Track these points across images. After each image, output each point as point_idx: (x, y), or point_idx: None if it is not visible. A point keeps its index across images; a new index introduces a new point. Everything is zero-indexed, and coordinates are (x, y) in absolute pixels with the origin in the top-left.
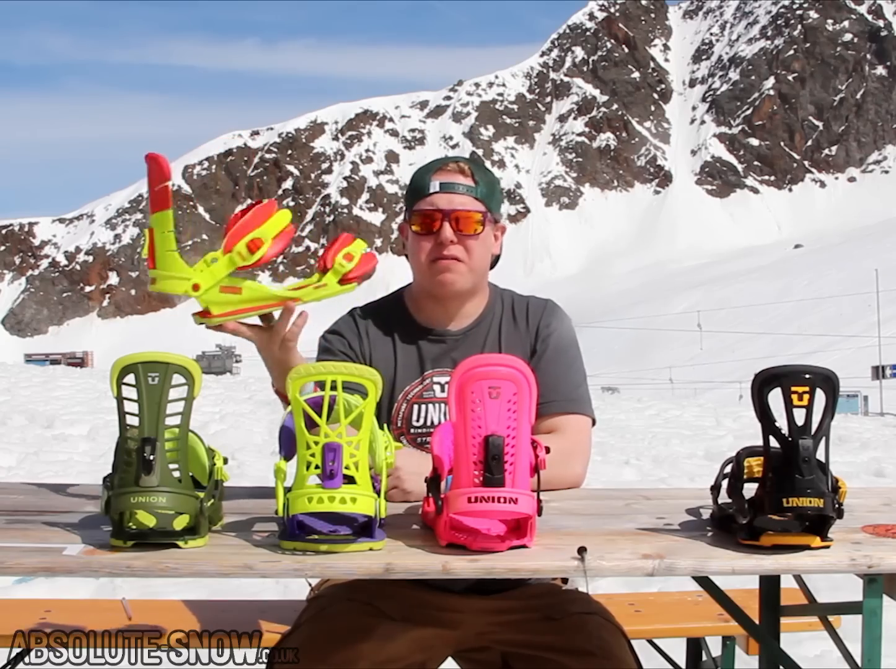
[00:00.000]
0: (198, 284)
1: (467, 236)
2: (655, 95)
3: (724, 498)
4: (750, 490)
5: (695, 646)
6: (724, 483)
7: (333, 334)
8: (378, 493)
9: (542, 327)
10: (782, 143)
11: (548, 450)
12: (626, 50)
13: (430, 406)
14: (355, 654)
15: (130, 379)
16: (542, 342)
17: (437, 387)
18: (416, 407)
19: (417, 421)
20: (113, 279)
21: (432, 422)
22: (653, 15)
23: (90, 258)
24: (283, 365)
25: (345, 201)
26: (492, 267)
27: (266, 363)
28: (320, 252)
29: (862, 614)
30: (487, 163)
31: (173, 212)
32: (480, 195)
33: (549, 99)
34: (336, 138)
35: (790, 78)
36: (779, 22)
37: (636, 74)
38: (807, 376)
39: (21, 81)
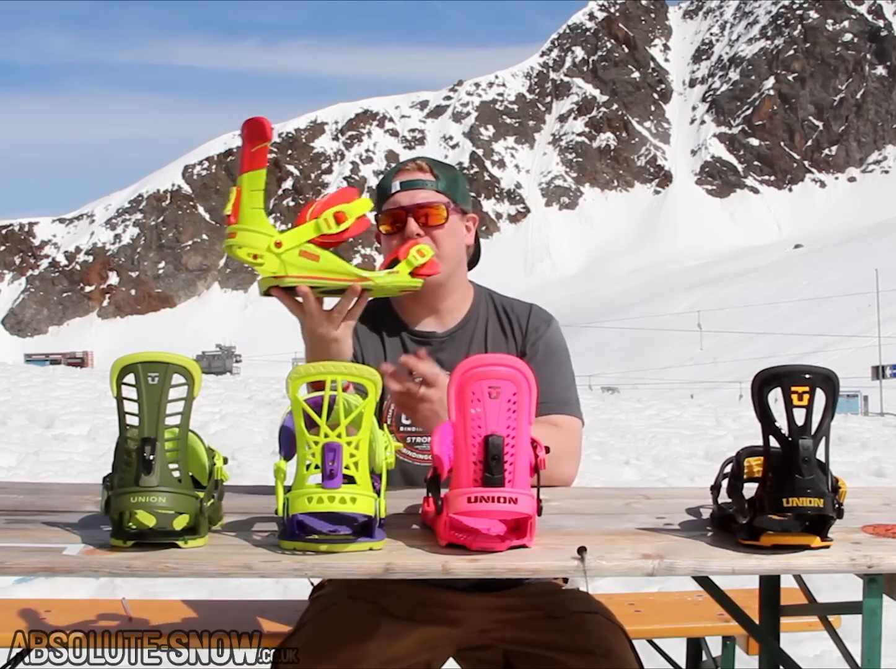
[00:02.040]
0: (280, 242)
1: (432, 228)
2: (655, 95)
3: (724, 497)
4: (750, 490)
5: (695, 646)
6: (724, 482)
7: None
8: (378, 493)
9: (531, 330)
10: (782, 143)
11: (548, 450)
12: (626, 50)
13: None
14: (360, 653)
15: (130, 379)
16: (531, 345)
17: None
18: None
19: (407, 419)
20: (113, 279)
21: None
22: (653, 15)
23: (90, 258)
24: (338, 346)
25: None
26: (474, 262)
27: (311, 344)
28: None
29: (862, 614)
30: (487, 163)
31: (266, 173)
32: (441, 188)
33: (549, 99)
34: (336, 138)
35: (790, 78)
36: (779, 22)
37: (636, 74)
38: (807, 376)
39: (22, 81)
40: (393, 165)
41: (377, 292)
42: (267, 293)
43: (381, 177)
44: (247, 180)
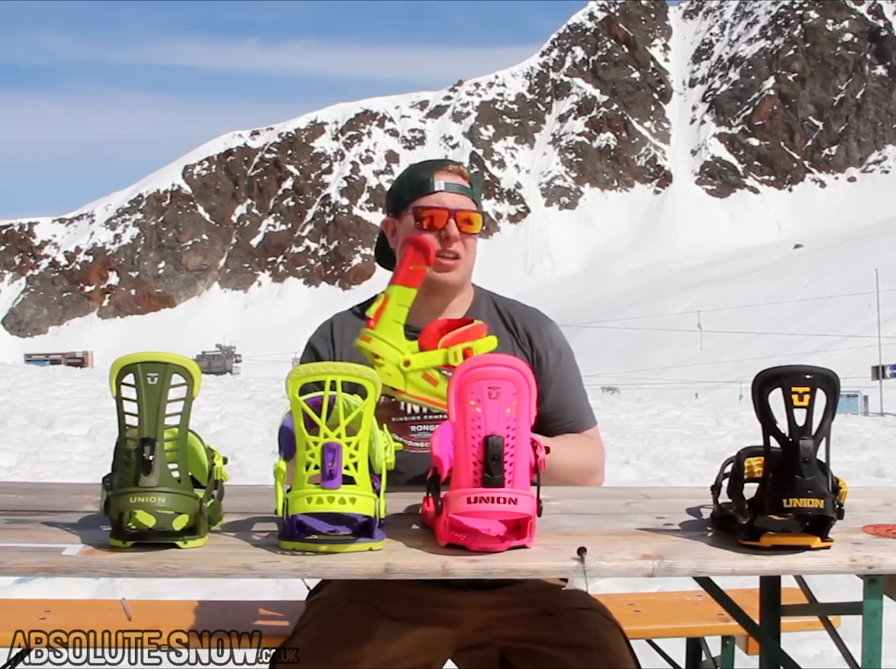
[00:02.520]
0: (409, 361)
1: (469, 235)
2: (655, 95)
3: (724, 497)
4: (750, 490)
5: (695, 646)
6: (725, 483)
7: (307, 347)
8: (378, 493)
9: (546, 339)
10: (782, 143)
11: (548, 450)
12: (626, 50)
13: None
14: (358, 655)
15: (130, 379)
16: (547, 354)
17: None
18: None
19: (403, 407)
20: (113, 279)
21: (413, 410)
22: (653, 15)
23: (90, 258)
24: None
25: (345, 201)
26: None
27: None
28: (320, 252)
29: (862, 614)
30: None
31: (416, 292)
32: (475, 197)
33: (549, 99)
34: (336, 138)
35: (790, 78)
36: (779, 22)
37: (636, 74)
38: (807, 376)
39: (22, 81)
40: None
41: None
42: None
43: (412, 167)
44: (397, 293)
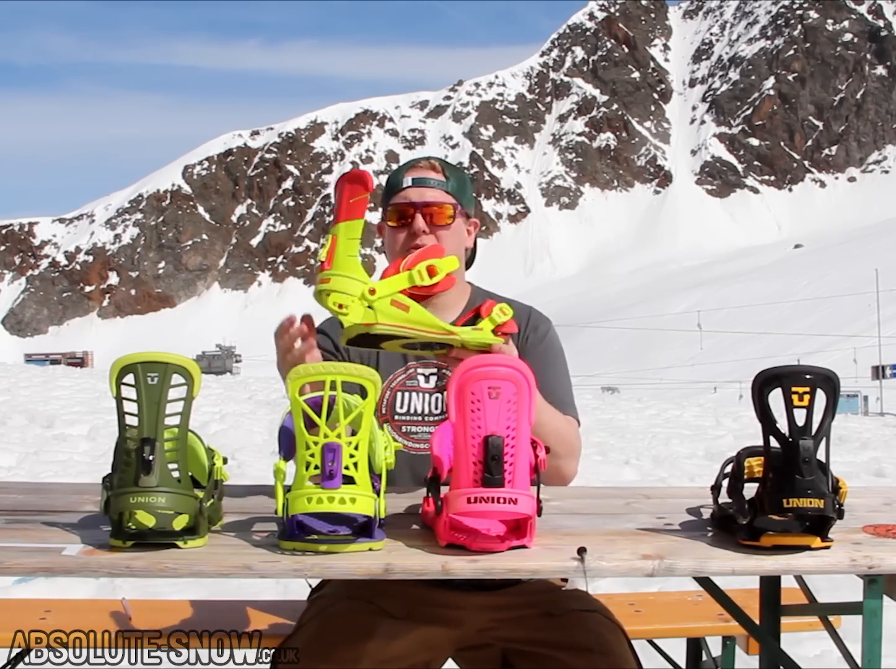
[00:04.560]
0: (374, 289)
1: (439, 227)
2: (655, 95)
3: (724, 497)
4: (750, 490)
5: (695, 646)
6: (725, 483)
7: (319, 333)
8: (378, 493)
9: (531, 328)
10: (782, 143)
11: (547, 450)
12: (626, 50)
13: (414, 394)
14: (358, 653)
15: (130, 379)
16: (533, 345)
17: (420, 377)
18: (399, 394)
19: (401, 407)
20: (113, 279)
21: (416, 410)
22: (653, 15)
23: (90, 258)
24: None
25: None
26: (468, 264)
27: None
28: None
29: (862, 614)
30: (487, 163)
31: (364, 223)
32: (451, 189)
33: (549, 99)
34: (336, 138)
35: (790, 78)
36: (779, 22)
37: (636, 74)
38: (807, 376)
39: (23, 82)
40: (394, 165)
41: (459, 347)
42: (351, 342)
43: (390, 172)
44: (343, 229)
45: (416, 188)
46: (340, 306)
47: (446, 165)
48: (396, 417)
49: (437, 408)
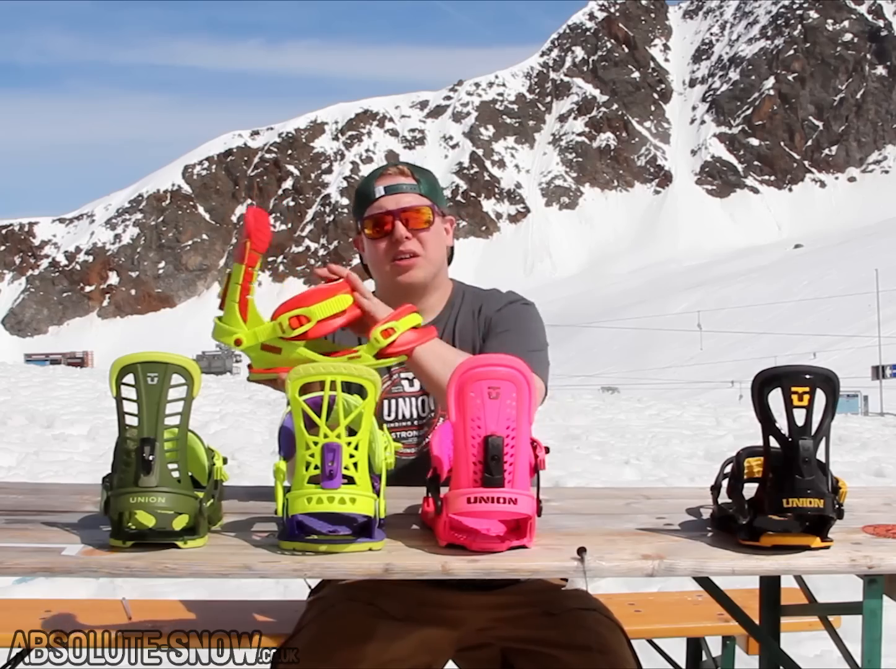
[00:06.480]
0: (240, 340)
1: (419, 230)
2: (655, 95)
3: (724, 498)
4: (750, 490)
5: (695, 646)
6: (725, 483)
7: None
8: (377, 493)
9: (495, 302)
10: (782, 143)
11: (547, 450)
12: (626, 50)
13: (401, 400)
14: (359, 655)
15: (130, 379)
16: (495, 313)
17: (405, 383)
18: (386, 401)
19: (389, 415)
20: (113, 279)
21: (404, 416)
22: (653, 15)
23: (90, 258)
24: None
25: (345, 201)
26: (449, 261)
27: None
28: (320, 252)
29: (862, 614)
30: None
31: (247, 270)
32: (424, 192)
33: (549, 99)
34: (336, 138)
35: (790, 78)
36: (779, 22)
37: (636, 74)
38: (807, 376)
39: (24, 82)
40: (368, 173)
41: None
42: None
43: (359, 182)
44: (234, 271)
45: (390, 196)
46: (238, 342)
47: (414, 168)
48: (385, 425)
49: (423, 411)
